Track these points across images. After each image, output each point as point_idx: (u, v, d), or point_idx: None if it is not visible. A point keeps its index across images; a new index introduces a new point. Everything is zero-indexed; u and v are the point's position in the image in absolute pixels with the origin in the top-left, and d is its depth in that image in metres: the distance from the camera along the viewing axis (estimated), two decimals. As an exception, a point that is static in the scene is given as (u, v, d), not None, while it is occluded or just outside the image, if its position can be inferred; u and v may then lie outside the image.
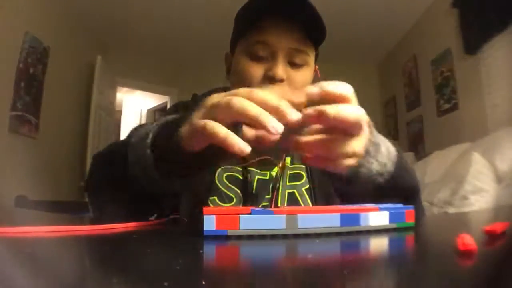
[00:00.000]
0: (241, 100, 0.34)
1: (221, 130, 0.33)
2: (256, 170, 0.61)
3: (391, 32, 3.38)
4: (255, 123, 0.33)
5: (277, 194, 0.59)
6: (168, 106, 4.16)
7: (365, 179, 0.42)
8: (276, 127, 0.32)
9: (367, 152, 0.40)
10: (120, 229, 0.36)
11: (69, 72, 3.02)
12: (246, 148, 0.32)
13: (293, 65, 0.60)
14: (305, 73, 0.61)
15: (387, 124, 3.97)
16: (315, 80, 0.67)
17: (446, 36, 2.62)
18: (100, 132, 3.39)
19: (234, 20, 0.63)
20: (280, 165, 0.60)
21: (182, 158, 0.40)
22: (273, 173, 0.62)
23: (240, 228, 0.29)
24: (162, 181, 0.42)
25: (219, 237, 0.29)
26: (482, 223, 0.49)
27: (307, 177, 0.62)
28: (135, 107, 5.26)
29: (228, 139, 0.32)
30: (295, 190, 0.61)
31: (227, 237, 0.29)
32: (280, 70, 0.57)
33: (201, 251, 0.26)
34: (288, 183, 0.61)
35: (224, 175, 0.61)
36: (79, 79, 3.21)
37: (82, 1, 2.86)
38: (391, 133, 3.86)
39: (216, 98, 0.37)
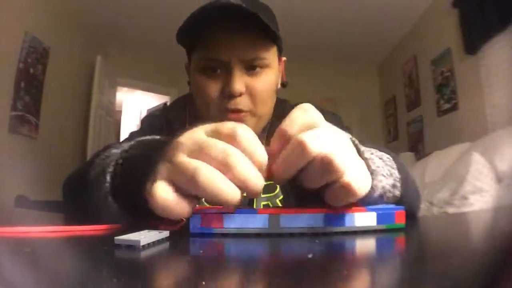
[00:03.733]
0: (205, 178, 0.27)
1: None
2: None
3: (391, 32, 3.38)
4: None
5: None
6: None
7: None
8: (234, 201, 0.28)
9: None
10: (119, 229, 0.36)
11: (69, 72, 3.01)
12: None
13: (251, 72, 0.56)
14: (267, 78, 0.58)
15: (387, 124, 3.98)
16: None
17: (446, 36, 2.62)
18: (100, 132, 3.39)
19: (176, 38, 0.57)
20: None
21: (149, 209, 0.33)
22: None
23: (224, 227, 0.30)
24: (123, 216, 0.38)
25: (205, 235, 0.30)
26: (480, 223, 0.49)
27: (280, 187, 0.59)
28: (135, 107, 5.26)
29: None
30: (269, 202, 0.58)
31: (213, 235, 0.30)
32: (237, 85, 0.54)
33: (195, 251, 0.26)
34: (262, 195, 0.58)
35: None
36: (79, 79, 3.21)
37: (82, 1, 2.86)
38: (391, 133, 3.86)
39: (185, 162, 0.29)
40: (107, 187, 0.38)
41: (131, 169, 0.37)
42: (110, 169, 0.39)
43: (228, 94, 0.55)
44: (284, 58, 0.66)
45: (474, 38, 2.25)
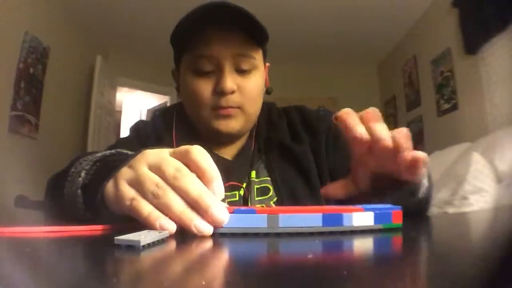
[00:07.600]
0: (166, 198, 0.30)
1: (144, 212, 0.30)
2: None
3: (391, 32, 3.38)
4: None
5: None
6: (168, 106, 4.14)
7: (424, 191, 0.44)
8: (202, 231, 0.29)
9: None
10: (118, 229, 0.36)
11: (69, 72, 3.01)
12: (170, 230, 0.30)
13: (241, 72, 0.59)
14: (255, 78, 0.61)
15: (387, 124, 3.96)
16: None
17: (446, 36, 2.62)
18: (100, 132, 3.39)
19: (170, 39, 0.62)
20: (244, 185, 0.60)
21: (108, 211, 0.37)
22: (242, 192, 0.61)
23: (223, 226, 0.30)
24: (86, 215, 0.40)
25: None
26: (480, 223, 0.49)
27: (274, 189, 0.61)
28: (135, 107, 5.26)
29: (149, 224, 0.30)
30: (264, 205, 0.60)
31: (212, 235, 0.30)
32: (229, 82, 0.57)
33: (201, 252, 0.26)
34: (256, 198, 0.61)
35: None
36: (79, 79, 3.21)
37: (82, 1, 2.86)
38: (391, 133, 3.86)
39: (146, 176, 0.32)
40: (80, 181, 0.41)
41: (101, 168, 0.40)
42: (87, 167, 0.42)
43: (219, 92, 0.57)
44: (267, 64, 0.69)
45: (474, 38, 2.24)
